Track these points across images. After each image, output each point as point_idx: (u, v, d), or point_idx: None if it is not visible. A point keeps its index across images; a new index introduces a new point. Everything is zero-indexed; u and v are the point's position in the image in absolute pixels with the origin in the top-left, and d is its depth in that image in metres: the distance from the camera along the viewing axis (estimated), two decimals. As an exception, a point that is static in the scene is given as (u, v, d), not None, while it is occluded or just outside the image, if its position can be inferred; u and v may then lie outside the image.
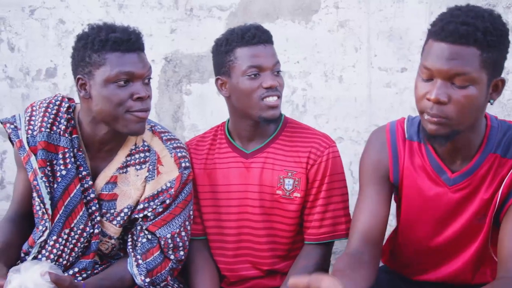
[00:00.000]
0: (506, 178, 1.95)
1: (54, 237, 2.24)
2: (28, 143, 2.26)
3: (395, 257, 2.28)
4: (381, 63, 3.31)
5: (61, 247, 2.24)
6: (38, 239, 2.26)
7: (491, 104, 1.90)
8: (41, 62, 3.65)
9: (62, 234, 2.24)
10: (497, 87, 1.88)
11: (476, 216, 2.01)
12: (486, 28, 1.78)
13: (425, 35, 1.92)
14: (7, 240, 2.29)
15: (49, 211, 2.23)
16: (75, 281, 2.12)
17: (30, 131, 2.27)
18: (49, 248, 2.25)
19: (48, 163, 2.24)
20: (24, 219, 2.36)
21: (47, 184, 2.23)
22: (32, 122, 2.27)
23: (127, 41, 2.13)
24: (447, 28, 1.80)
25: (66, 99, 2.31)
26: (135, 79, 2.14)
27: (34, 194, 2.26)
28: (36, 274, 2.02)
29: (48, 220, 2.24)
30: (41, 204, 2.24)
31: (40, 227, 2.26)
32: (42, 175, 2.22)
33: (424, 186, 2.06)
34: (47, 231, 2.25)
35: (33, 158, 2.24)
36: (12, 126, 2.30)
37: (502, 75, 1.89)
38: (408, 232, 2.16)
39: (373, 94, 3.33)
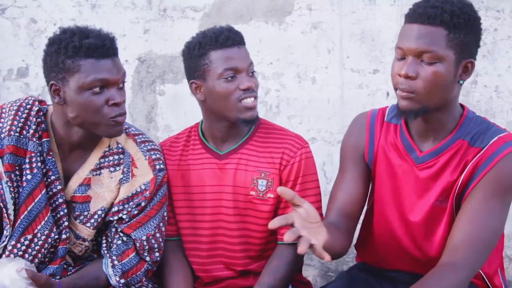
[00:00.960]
0: (470, 164, 2.01)
1: (13, 243, 2.22)
2: None
3: (367, 248, 2.31)
4: (353, 64, 3.32)
5: (20, 253, 2.21)
6: (0, 243, 2.24)
7: (461, 84, 2.02)
8: (12, 61, 3.61)
9: (22, 239, 2.21)
10: (467, 68, 2.00)
11: (437, 198, 2.08)
12: (453, 11, 1.93)
13: (397, 37, 2.03)
14: None
15: (11, 216, 2.21)
16: (51, 279, 2.12)
17: None
18: (7, 253, 2.22)
19: (17, 167, 2.21)
20: None
21: (12, 189, 2.20)
22: (1, 125, 2.24)
23: (101, 47, 2.10)
24: (417, 10, 1.96)
25: (37, 102, 2.28)
26: (110, 86, 2.12)
27: None
28: (12, 270, 2.03)
29: (9, 225, 2.22)
30: (3, 209, 2.21)
31: (5, 232, 2.24)
32: (8, 179, 2.20)
33: (394, 163, 2.15)
34: (8, 237, 2.22)
35: None
36: None
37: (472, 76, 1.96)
38: (380, 214, 2.22)
39: (346, 95, 3.34)
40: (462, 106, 2.14)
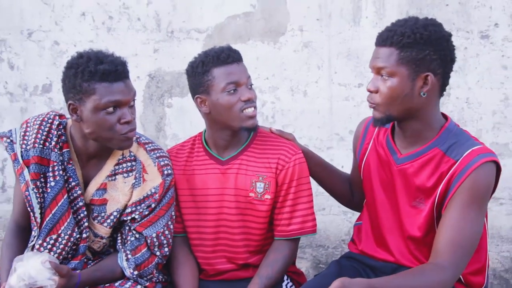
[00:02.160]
0: (446, 176, 2.01)
1: (40, 242, 2.22)
2: (22, 156, 2.23)
3: (361, 235, 2.32)
4: (340, 79, 3.32)
5: (46, 251, 2.21)
6: (30, 243, 2.26)
7: (423, 95, 2.01)
8: (38, 79, 3.62)
9: (48, 239, 2.22)
10: (425, 81, 2.00)
11: (414, 198, 2.09)
12: (403, 32, 1.98)
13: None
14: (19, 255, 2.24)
15: (38, 219, 2.22)
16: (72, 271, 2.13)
17: (24, 146, 2.24)
18: (35, 251, 2.22)
19: (41, 176, 2.23)
20: (25, 231, 2.33)
21: (37, 195, 2.21)
22: (26, 138, 2.25)
23: (115, 71, 2.10)
24: (378, 35, 2.06)
25: (57, 117, 2.29)
26: (122, 105, 2.13)
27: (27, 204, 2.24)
28: (37, 262, 2.02)
29: (36, 227, 2.23)
30: (31, 213, 2.23)
31: (33, 233, 2.26)
32: (34, 186, 2.21)
33: (382, 159, 2.19)
34: (36, 237, 2.24)
35: (26, 171, 2.22)
36: (8, 140, 2.27)
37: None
38: (370, 206, 2.26)
39: (334, 106, 3.34)
40: (446, 117, 2.13)
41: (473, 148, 2.01)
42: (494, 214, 3.16)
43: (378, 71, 2.02)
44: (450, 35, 2.04)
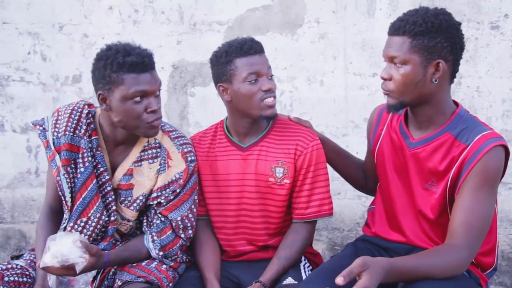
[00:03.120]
0: (458, 161, 1.99)
1: (71, 224, 2.23)
2: (53, 143, 2.24)
3: (375, 219, 2.29)
4: (355, 69, 3.29)
5: (77, 232, 2.21)
6: (62, 225, 2.27)
7: (435, 82, 1.98)
8: (69, 70, 3.61)
9: (78, 222, 2.23)
10: (437, 68, 1.98)
11: (426, 181, 2.07)
12: (415, 21, 1.95)
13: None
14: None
15: (69, 203, 2.23)
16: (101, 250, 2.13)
17: (55, 133, 2.24)
18: None
19: (72, 162, 2.22)
20: (57, 214, 2.33)
21: (68, 180, 2.22)
22: (57, 126, 2.25)
23: (142, 63, 2.09)
24: (391, 25, 2.03)
25: (87, 106, 2.29)
26: (149, 95, 2.12)
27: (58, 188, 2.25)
28: (69, 241, 2.03)
29: (67, 210, 2.24)
30: (62, 197, 2.24)
31: (65, 215, 2.27)
32: (64, 172, 2.21)
33: (395, 143, 2.17)
34: (67, 219, 2.25)
35: (57, 157, 2.23)
36: (41, 128, 2.28)
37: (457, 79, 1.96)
38: (383, 190, 2.24)
39: (349, 95, 3.31)
40: (457, 104, 2.11)
41: (483, 133, 1.98)
42: (503, 199, 3.14)
43: (391, 59, 2.00)
44: (459, 23, 2.02)
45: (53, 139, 2.24)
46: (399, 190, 2.17)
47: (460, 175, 1.98)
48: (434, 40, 1.95)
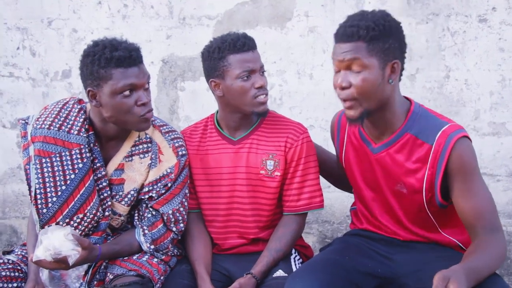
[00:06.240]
0: (428, 163, 1.99)
1: (67, 220, 2.21)
2: (30, 133, 2.22)
3: (359, 218, 2.31)
4: (344, 62, 3.28)
5: (68, 226, 2.18)
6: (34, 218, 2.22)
7: (391, 83, 1.97)
8: (58, 65, 3.60)
9: (75, 218, 2.21)
10: (393, 69, 1.97)
11: (395, 183, 2.08)
12: (368, 26, 1.92)
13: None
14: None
15: (32, 194, 2.20)
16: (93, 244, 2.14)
17: (35, 125, 2.23)
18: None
19: (52, 155, 2.19)
20: None
21: (39, 171, 2.19)
22: (39, 119, 2.24)
23: (129, 57, 2.09)
24: (339, 32, 1.97)
25: (77, 103, 2.29)
26: (138, 88, 2.12)
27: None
28: (60, 234, 2.03)
29: (33, 202, 2.20)
30: (28, 187, 2.21)
31: (31, 210, 2.22)
32: (37, 162, 2.19)
33: (358, 149, 2.17)
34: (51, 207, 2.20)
35: (31, 147, 2.21)
36: (24, 122, 2.28)
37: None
38: (357, 193, 2.26)
39: (338, 88, 3.30)
40: (409, 101, 2.10)
41: (442, 129, 1.99)
42: (491, 191, 3.07)
43: (348, 66, 1.94)
44: (400, 23, 2.02)
45: (31, 130, 2.23)
46: (371, 195, 2.18)
47: (436, 175, 1.99)
48: (388, 42, 1.93)
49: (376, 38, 1.92)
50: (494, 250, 1.90)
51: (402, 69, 2.02)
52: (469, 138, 2.00)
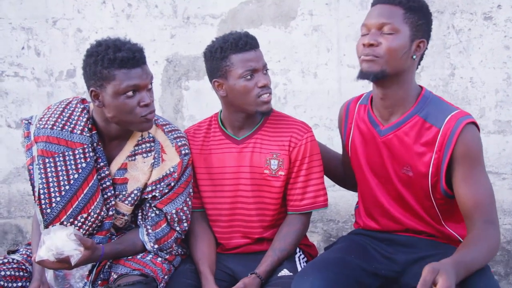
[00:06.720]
0: (435, 146, 2.00)
1: (71, 220, 2.20)
2: (33, 134, 2.22)
3: (361, 214, 2.31)
4: (349, 61, 3.28)
5: (76, 228, 2.20)
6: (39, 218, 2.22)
7: (414, 59, 2.02)
8: (63, 64, 3.60)
9: (79, 217, 2.20)
10: (419, 47, 2.02)
11: (402, 166, 2.09)
12: None
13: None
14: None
15: (36, 193, 2.20)
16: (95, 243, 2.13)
17: (38, 125, 2.23)
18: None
19: (55, 155, 2.19)
20: None
21: (42, 171, 2.18)
22: (42, 119, 2.24)
23: (132, 58, 2.08)
24: None
25: (80, 102, 2.29)
26: (141, 89, 2.12)
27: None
28: (63, 234, 2.03)
29: (37, 203, 2.20)
30: (31, 187, 2.21)
31: (35, 210, 2.23)
32: (41, 162, 2.19)
33: (365, 134, 2.18)
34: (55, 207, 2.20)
35: (34, 147, 2.21)
36: (27, 122, 2.28)
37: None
38: (362, 185, 2.25)
39: (343, 87, 3.31)
40: (421, 87, 2.13)
41: (452, 114, 2.01)
42: (496, 189, 3.10)
43: (380, 26, 1.98)
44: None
45: (34, 130, 2.23)
46: (376, 181, 2.18)
47: (443, 160, 2.00)
48: (422, 20, 2.01)
49: (413, 10, 1.98)
50: (486, 244, 1.89)
51: (423, 54, 2.07)
52: (477, 126, 2.02)
